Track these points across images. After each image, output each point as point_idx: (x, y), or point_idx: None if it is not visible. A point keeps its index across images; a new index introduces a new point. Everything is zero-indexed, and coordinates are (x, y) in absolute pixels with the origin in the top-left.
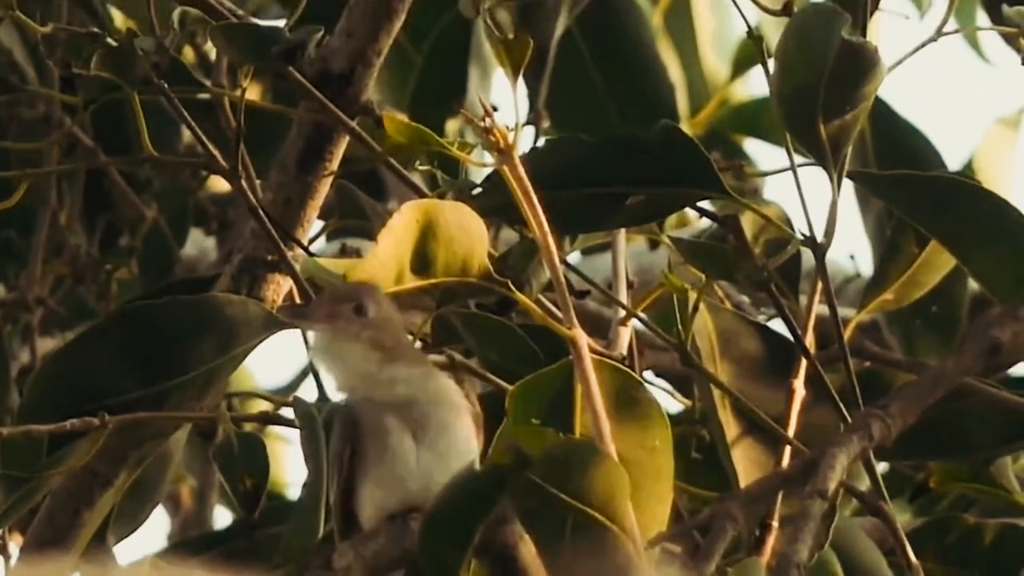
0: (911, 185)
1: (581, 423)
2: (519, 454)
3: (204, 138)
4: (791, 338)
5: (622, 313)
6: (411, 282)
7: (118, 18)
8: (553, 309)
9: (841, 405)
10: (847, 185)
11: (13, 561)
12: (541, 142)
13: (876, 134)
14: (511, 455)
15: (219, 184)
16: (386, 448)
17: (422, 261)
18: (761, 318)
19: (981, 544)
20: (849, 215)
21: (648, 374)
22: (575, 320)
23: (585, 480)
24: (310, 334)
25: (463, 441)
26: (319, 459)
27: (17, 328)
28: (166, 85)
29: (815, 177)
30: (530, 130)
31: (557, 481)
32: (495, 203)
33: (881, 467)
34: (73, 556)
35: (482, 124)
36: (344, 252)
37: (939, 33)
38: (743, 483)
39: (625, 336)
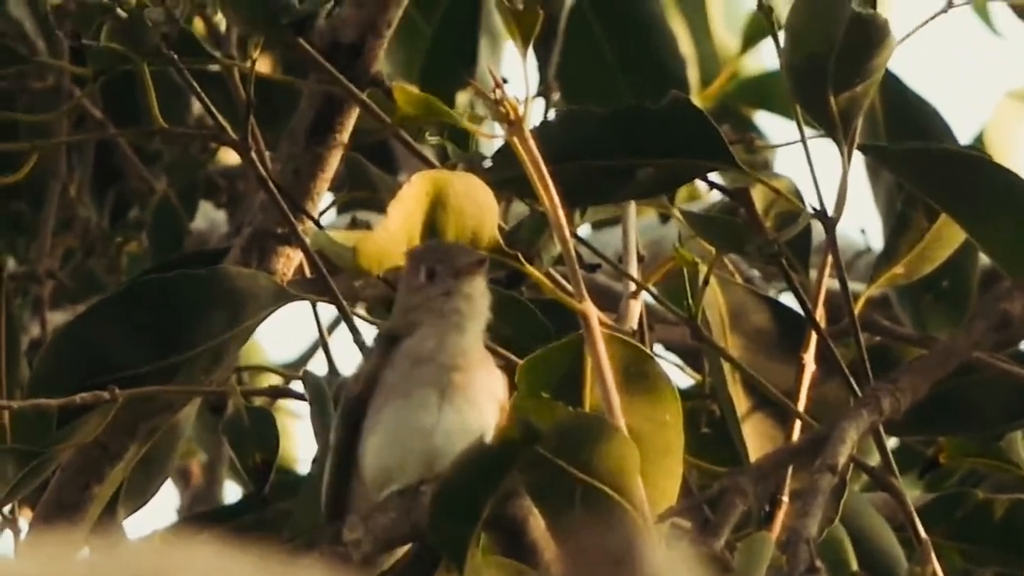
0: (922, 158)
1: (591, 397)
2: (529, 428)
3: (214, 110)
4: (801, 312)
5: (632, 287)
6: None
7: None
8: (563, 283)
9: (851, 379)
10: (858, 158)
11: (23, 535)
12: (551, 114)
13: (887, 107)
14: (521, 429)
15: (229, 156)
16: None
17: (432, 233)
18: (772, 292)
19: (991, 519)
20: (860, 189)
21: (658, 348)
22: (585, 294)
23: (595, 454)
24: (460, 284)
25: (487, 416)
26: (328, 433)
27: (27, 301)
28: (176, 56)
29: (826, 150)
30: (540, 102)
31: (567, 455)
32: (505, 175)
33: (891, 442)
34: (83, 530)
35: (492, 96)
36: (354, 224)
37: (949, 5)
38: (753, 458)
39: (635, 310)
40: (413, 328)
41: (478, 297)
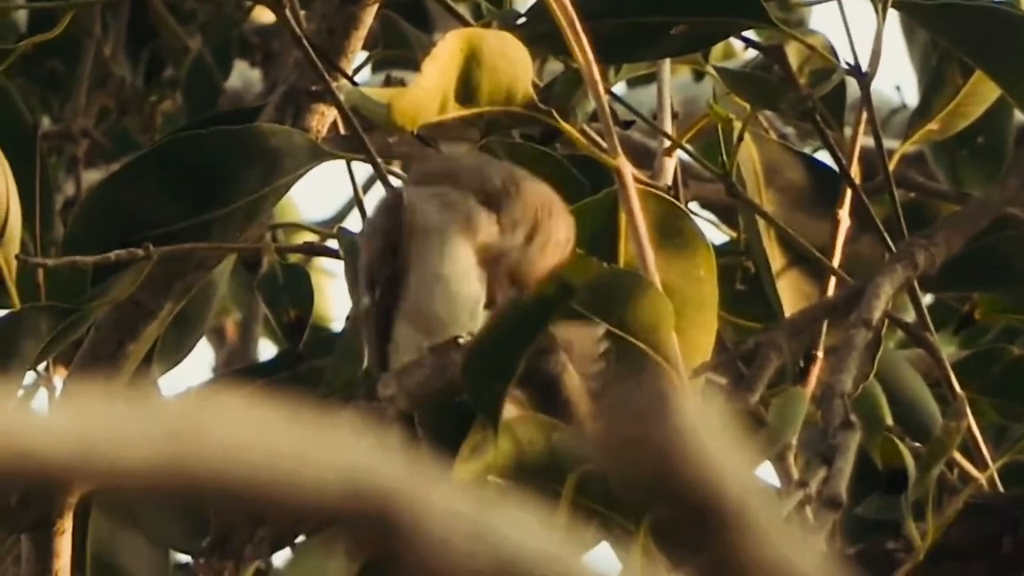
0: (957, 15)
1: (625, 253)
2: (563, 283)
3: None
4: (836, 169)
5: (667, 143)
6: (455, 111)
7: None
8: (598, 139)
9: (886, 235)
10: (892, 16)
11: (58, 393)
12: None
13: None
14: (555, 285)
15: (263, 15)
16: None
17: (466, 90)
18: (806, 149)
19: None
20: (894, 46)
21: (693, 205)
22: (620, 150)
23: (629, 309)
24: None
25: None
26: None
27: (62, 160)
28: None
29: (860, 7)
30: None
31: (602, 310)
32: (540, 32)
33: (926, 299)
34: (117, 387)
35: None
36: (389, 82)
37: None
38: (788, 313)
39: (670, 167)
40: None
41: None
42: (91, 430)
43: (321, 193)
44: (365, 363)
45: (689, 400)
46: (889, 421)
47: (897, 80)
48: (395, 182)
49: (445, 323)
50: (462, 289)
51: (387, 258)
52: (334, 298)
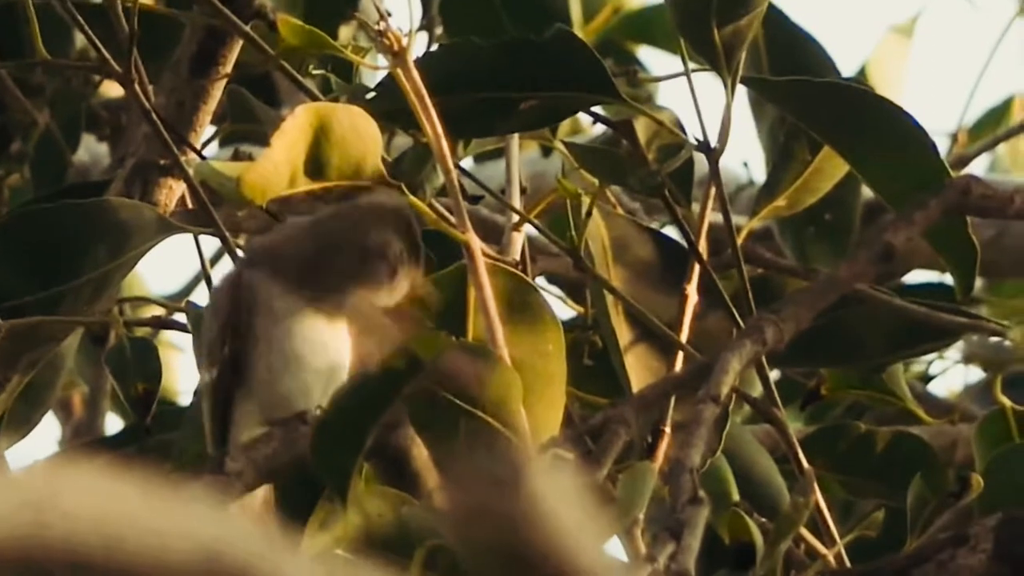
0: (805, 91)
1: (474, 327)
2: (412, 357)
3: (97, 42)
4: (684, 244)
5: (516, 218)
6: (305, 185)
7: None
8: (447, 214)
9: (734, 311)
10: (741, 92)
11: None
12: (434, 48)
13: (769, 41)
14: (404, 359)
15: (112, 90)
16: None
17: (315, 164)
18: (655, 225)
19: (873, 451)
20: (742, 123)
21: (541, 280)
22: (469, 224)
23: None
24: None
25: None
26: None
27: None
28: None
29: (708, 84)
30: (424, 36)
31: (449, 385)
32: (389, 107)
33: (773, 375)
34: None
35: (376, 27)
36: (237, 157)
37: None
38: (636, 389)
39: (518, 242)
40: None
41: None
42: None
43: (169, 267)
44: (206, 439)
45: (540, 472)
46: (736, 496)
47: (744, 156)
48: (241, 256)
49: (295, 399)
50: (312, 364)
51: (226, 337)
52: (181, 372)
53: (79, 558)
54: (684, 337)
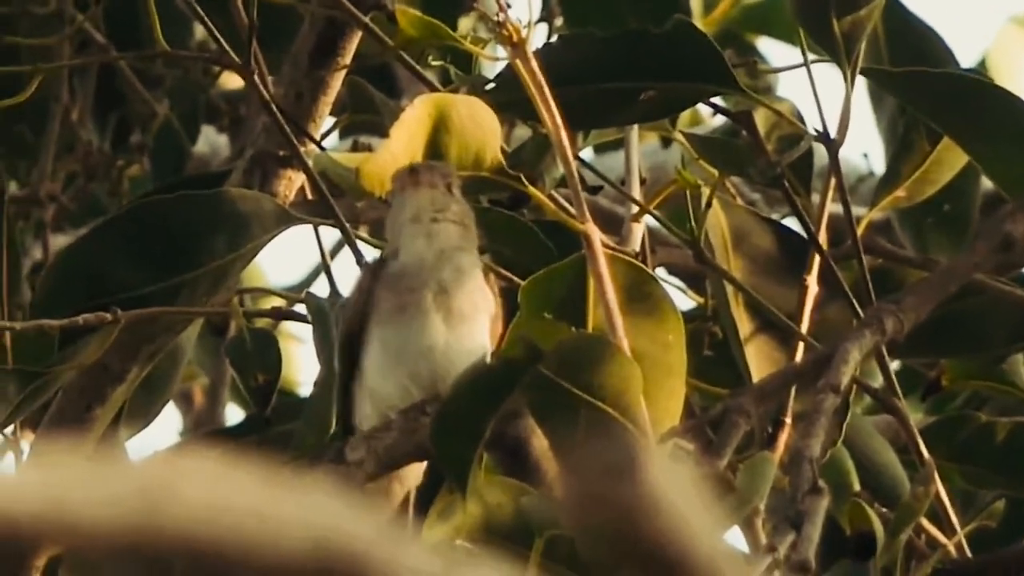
0: (924, 82)
1: (594, 318)
2: (531, 348)
3: (217, 33)
4: (804, 235)
5: (635, 209)
6: None
7: None
8: (566, 205)
9: (854, 301)
10: (860, 83)
11: (24, 457)
12: (554, 39)
13: (888, 32)
14: (523, 349)
15: (231, 81)
16: (414, 321)
17: (435, 154)
18: (774, 216)
19: (993, 442)
20: (862, 114)
21: (660, 271)
22: (588, 215)
23: (597, 374)
24: (403, 198)
25: (482, 338)
26: (331, 354)
27: (29, 224)
28: None
29: (828, 75)
30: (543, 27)
31: (569, 375)
32: (508, 98)
33: (893, 365)
34: (84, 451)
35: (495, 18)
36: (356, 148)
37: None
38: (756, 379)
39: (638, 233)
40: (397, 251)
41: (435, 210)
42: (61, 489)
43: (288, 258)
44: (333, 428)
45: (658, 461)
46: (857, 486)
47: (864, 147)
48: (363, 247)
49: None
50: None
51: (353, 334)
52: (301, 363)
53: (196, 546)
54: (804, 327)
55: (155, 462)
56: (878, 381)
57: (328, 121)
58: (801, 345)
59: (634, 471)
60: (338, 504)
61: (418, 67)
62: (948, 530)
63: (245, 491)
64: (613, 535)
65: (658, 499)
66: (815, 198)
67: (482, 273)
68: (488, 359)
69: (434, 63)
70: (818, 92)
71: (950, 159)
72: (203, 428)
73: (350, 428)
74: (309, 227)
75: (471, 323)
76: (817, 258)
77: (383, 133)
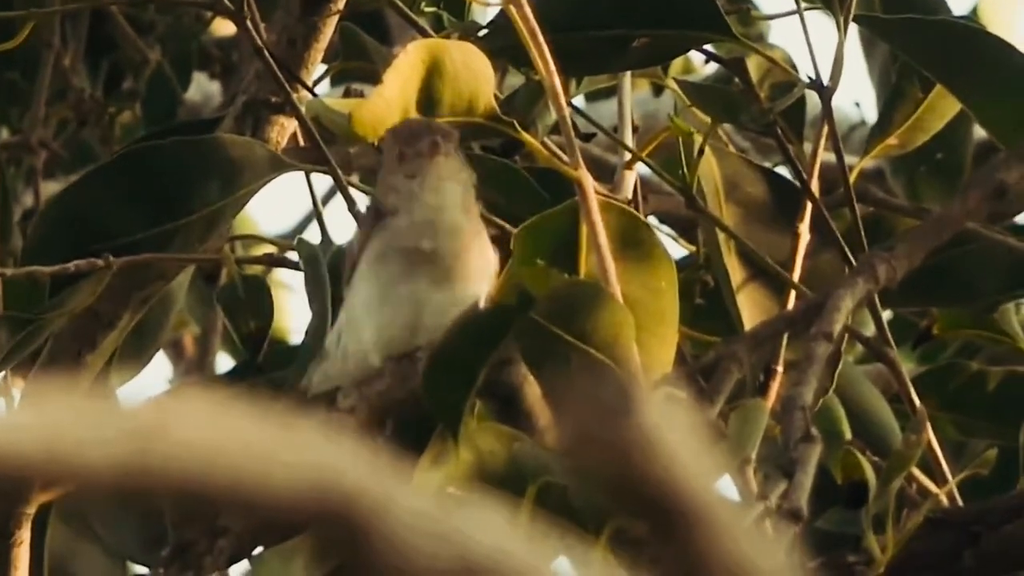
0: (917, 29)
1: (586, 264)
2: (524, 294)
3: None
4: (796, 183)
5: (627, 156)
6: None
7: None
8: (559, 152)
9: (847, 249)
10: (852, 31)
11: (15, 403)
12: None
13: None
14: (516, 295)
15: (223, 27)
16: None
17: (428, 101)
18: (766, 164)
19: (985, 390)
20: (854, 64)
21: (653, 219)
22: (581, 162)
23: (590, 321)
24: (406, 167)
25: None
26: (323, 301)
27: (20, 171)
28: None
29: (821, 23)
30: None
31: (562, 321)
32: (501, 44)
33: (885, 315)
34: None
35: None
36: (348, 94)
37: None
38: (748, 327)
39: (630, 180)
40: (396, 210)
41: (441, 178)
42: (54, 429)
43: (280, 205)
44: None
45: (653, 403)
46: (849, 435)
47: (856, 96)
48: (355, 194)
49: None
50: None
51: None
52: (292, 312)
53: (189, 487)
54: (796, 275)
55: (147, 403)
56: (870, 330)
57: (321, 68)
58: (793, 293)
59: (629, 412)
60: (331, 445)
61: (411, 13)
62: (940, 479)
63: (238, 432)
64: (608, 477)
65: (653, 441)
66: (807, 146)
67: (484, 234)
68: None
69: (427, 9)
70: (811, 39)
71: (942, 107)
72: (194, 376)
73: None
74: (301, 174)
75: (469, 285)
76: (809, 206)
77: (376, 80)
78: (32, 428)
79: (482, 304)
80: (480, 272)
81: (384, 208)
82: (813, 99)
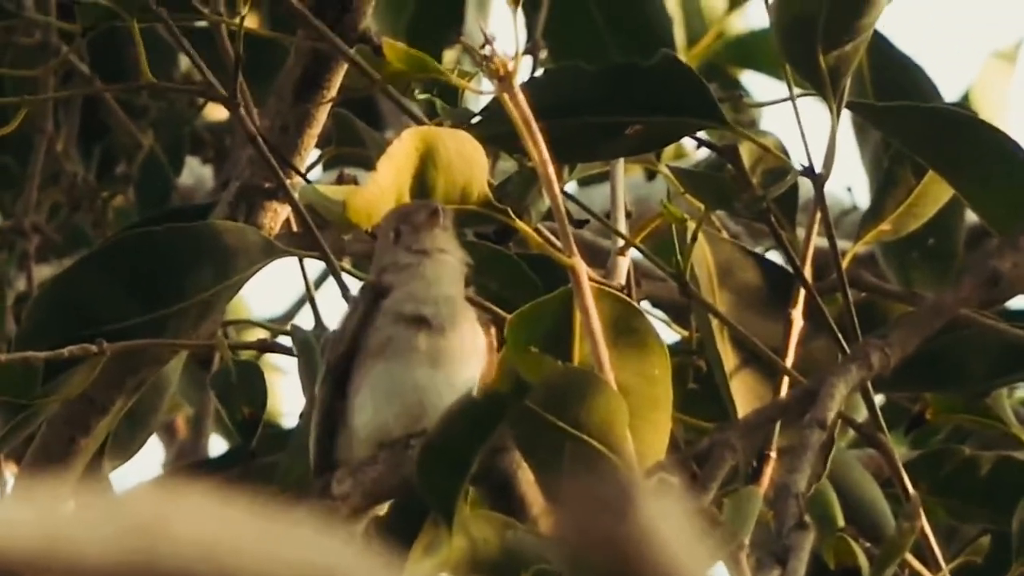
0: (909, 116)
1: (580, 351)
2: (518, 381)
3: (202, 65)
4: (789, 269)
5: (620, 243)
6: None
7: None
8: (552, 238)
9: (839, 335)
10: (845, 117)
11: (8, 489)
12: (539, 73)
13: (874, 66)
14: (510, 382)
15: (216, 113)
16: (403, 358)
17: (422, 188)
18: (759, 250)
19: (977, 476)
20: (847, 148)
21: (646, 304)
22: (575, 248)
23: (584, 408)
24: (404, 240)
25: (473, 372)
26: (315, 388)
27: (13, 255)
28: (165, 12)
29: (813, 109)
30: (529, 60)
31: (555, 409)
32: (494, 131)
33: (877, 399)
34: (69, 483)
35: (481, 51)
36: (342, 180)
37: None
38: (741, 413)
39: (623, 266)
40: (390, 288)
41: (439, 249)
42: (51, 525)
43: (273, 290)
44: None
45: (647, 495)
46: (842, 521)
47: (847, 181)
48: (348, 279)
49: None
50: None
51: (340, 367)
52: (285, 395)
53: None
54: (789, 362)
55: (144, 497)
56: (862, 415)
57: (314, 154)
58: (786, 379)
59: (624, 505)
60: (325, 539)
61: (404, 100)
62: (933, 565)
63: (234, 526)
64: (603, 569)
65: (651, 535)
66: (800, 232)
67: (474, 314)
68: (475, 393)
69: (420, 96)
70: (803, 126)
71: (935, 193)
72: (186, 460)
73: (332, 462)
74: (294, 259)
75: (463, 364)
76: (802, 292)
77: (369, 166)
78: (29, 524)
79: (475, 387)
80: (474, 351)
81: (381, 287)
82: (805, 183)
